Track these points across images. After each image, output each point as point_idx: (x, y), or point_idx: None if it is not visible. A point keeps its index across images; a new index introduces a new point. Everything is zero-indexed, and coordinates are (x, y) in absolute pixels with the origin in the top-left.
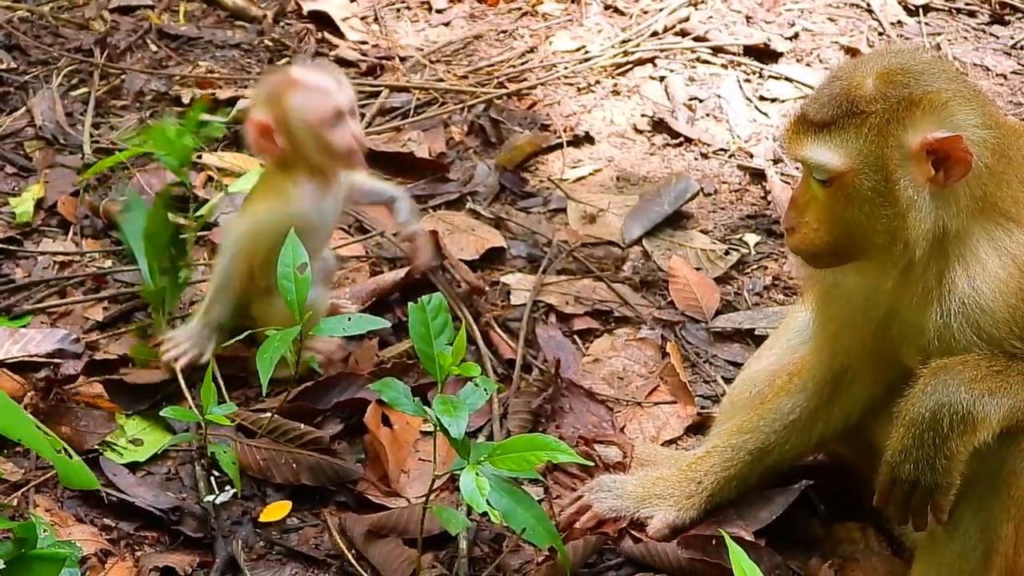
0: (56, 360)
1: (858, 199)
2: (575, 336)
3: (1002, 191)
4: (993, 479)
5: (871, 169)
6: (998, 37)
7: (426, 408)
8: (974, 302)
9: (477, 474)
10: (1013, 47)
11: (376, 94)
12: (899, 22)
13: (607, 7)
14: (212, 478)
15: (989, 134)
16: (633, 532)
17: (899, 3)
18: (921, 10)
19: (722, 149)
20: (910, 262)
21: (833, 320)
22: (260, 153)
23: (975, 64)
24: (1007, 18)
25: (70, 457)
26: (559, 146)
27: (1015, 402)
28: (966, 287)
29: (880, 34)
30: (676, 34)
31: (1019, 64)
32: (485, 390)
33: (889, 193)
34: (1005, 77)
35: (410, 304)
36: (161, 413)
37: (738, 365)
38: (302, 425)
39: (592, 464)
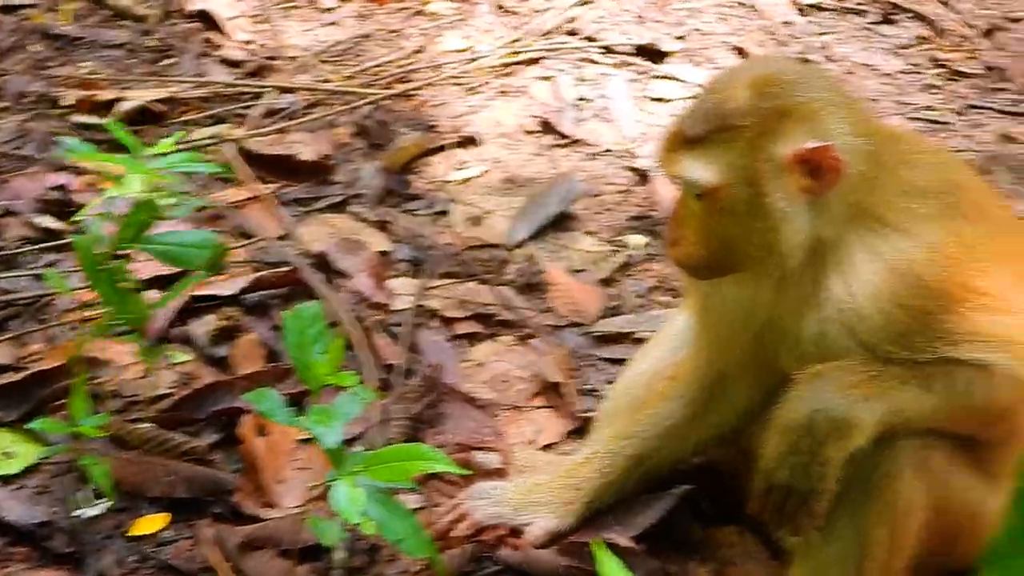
0: None
1: (733, 213)
2: (458, 340)
3: (876, 197)
4: (868, 484)
5: (744, 183)
6: (886, 36)
7: (300, 418)
8: (850, 308)
9: (351, 485)
10: (901, 47)
11: (261, 95)
12: (789, 21)
13: (497, 7)
14: (84, 491)
15: (862, 141)
16: (511, 539)
17: (789, 3)
18: (810, 9)
19: (609, 150)
20: (787, 272)
21: (712, 327)
22: None
23: (864, 64)
24: (895, 18)
25: None
26: (445, 147)
27: (890, 407)
28: (842, 294)
29: (770, 34)
30: (566, 34)
31: (907, 64)
32: (362, 398)
33: (763, 205)
34: (892, 76)
35: (284, 313)
36: (29, 426)
37: (621, 369)
38: (177, 435)
39: (470, 473)
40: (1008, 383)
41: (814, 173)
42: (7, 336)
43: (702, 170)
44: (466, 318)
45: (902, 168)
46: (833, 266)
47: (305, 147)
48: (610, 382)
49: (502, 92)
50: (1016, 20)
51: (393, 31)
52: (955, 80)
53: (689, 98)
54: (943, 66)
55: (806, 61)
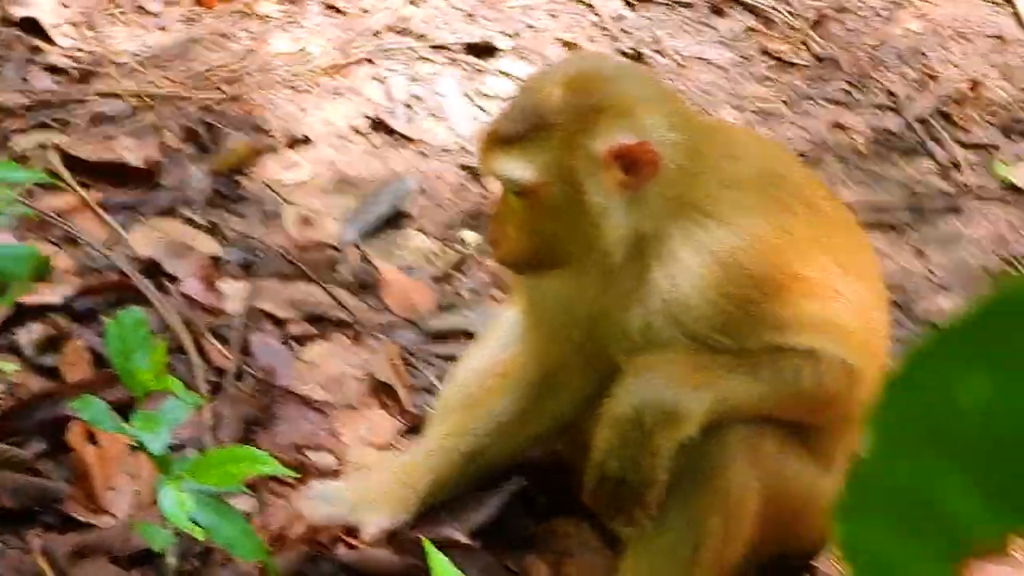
0: None
1: (553, 210)
2: (291, 342)
3: (697, 189)
4: (700, 473)
5: (562, 180)
6: (718, 29)
7: (125, 425)
8: (675, 300)
9: (178, 490)
10: (732, 39)
11: (87, 102)
12: (620, 16)
13: (327, 7)
14: None
15: (679, 136)
16: (347, 539)
17: None
18: (641, 4)
19: (442, 148)
20: (610, 266)
21: (540, 323)
22: None
23: (696, 57)
24: (725, 10)
25: None
26: (276, 150)
27: (718, 396)
28: (666, 285)
29: (601, 29)
30: (397, 33)
31: (738, 55)
32: (189, 403)
33: (581, 203)
34: (725, 69)
35: (107, 320)
36: None
37: (455, 365)
38: (3, 445)
39: (300, 474)
40: (835, 368)
41: (631, 168)
42: None
43: (520, 168)
44: (298, 319)
45: (724, 160)
46: (656, 259)
47: (132, 153)
48: (444, 379)
49: (334, 93)
50: (844, 10)
51: (222, 34)
52: (786, 71)
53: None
54: (774, 57)
55: (637, 56)
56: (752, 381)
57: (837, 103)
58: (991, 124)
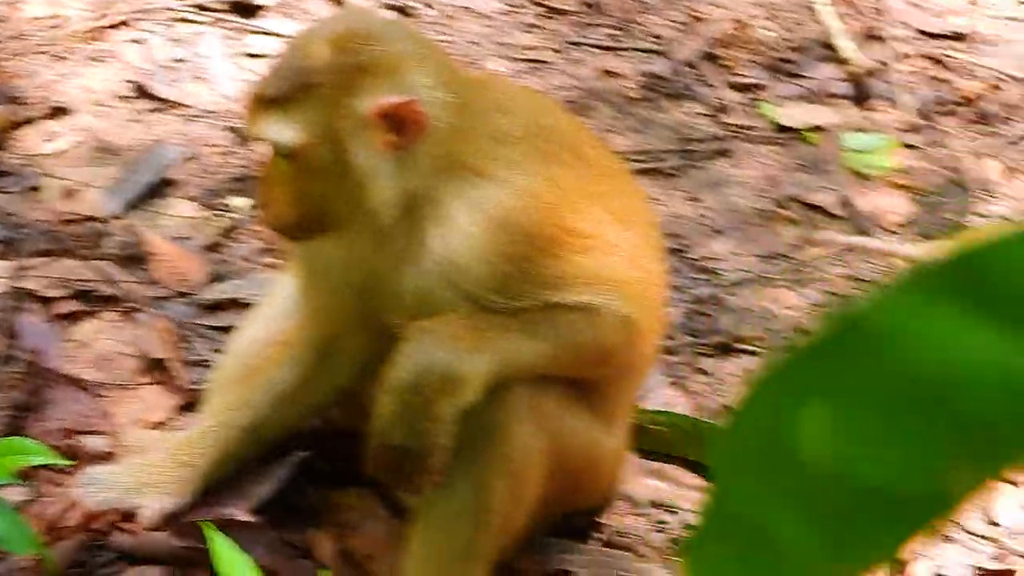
0: None
1: (320, 172)
2: (58, 321)
3: (467, 147)
4: (482, 437)
5: (328, 141)
6: None
7: None
8: (449, 261)
9: None
10: None
11: None
12: None
13: None
14: None
15: (447, 93)
16: (124, 524)
17: None
18: None
19: (206, 111)
20: (381, 228)
21: (315, 288)
22: None
23: (463, 7)
24: None
25: None
26: (34, 120)
27: (497, 357)
28: (440, 247)
29: None
30: None
31: (505, 4)
32: None
33: (348, 163)
34: (491, 18)
35: None
36: None
37: (231, 337)
38: None
39: (74, 461)
40: (613, 322)
41: (397, 127)
42: None
43: (285, 130)
44: (66, 297)
45: (493, 115)
46: (428, 219)
47: None
48: (220, 352)
49: (92, 58)
50: None
51: None
52: (554, 18)
53: None
54: (541, 5)
55: (404, 9)
56: (531, 340)
57: (605, 49)
58: (758, 65)
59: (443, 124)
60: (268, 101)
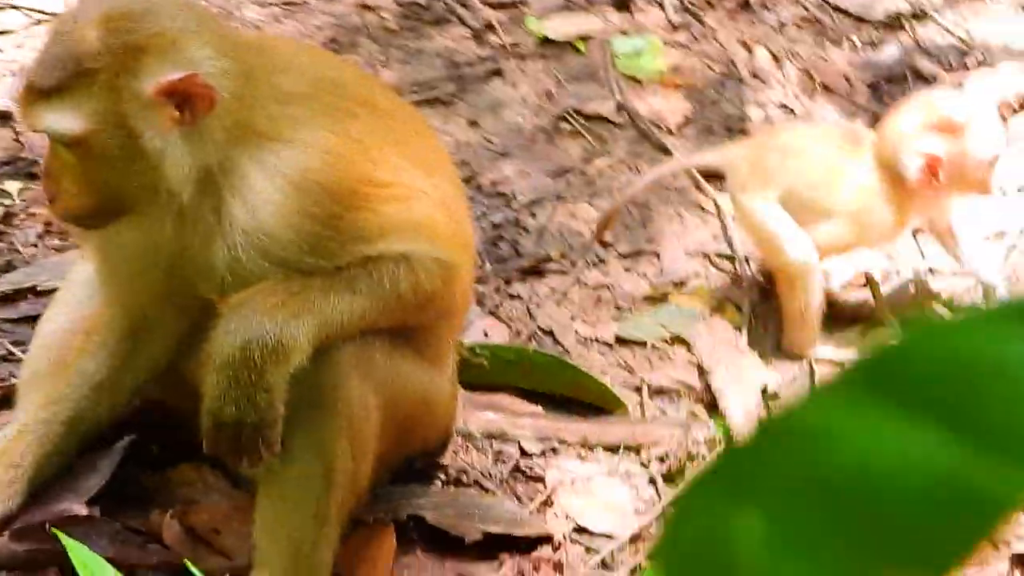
0: None
1: (108, 159)
2: None
3: (257, 113)
4: (317, 400)
5: (112, 127)
6: None
7: None
8: (257, 230)
9: None
10: None
11: None
12: None
13: None
14: None
15: (228, 62)
16: None
17: None
18: None
19: None
20: (181, 208)
21: (118, 273)
22: (919, 187)
23: None
24: None
25: None
26: None
27: (321, 319)
28: (246, 217)
29: None
30: None
31: None
32: None
33: (137, 147)
34: None
35: None
36: None
37: (32, 328)
38: None
39: None
40: (429, 267)
41: (184, 104)
42: None
43: (65, 120)
44: None
45: (277, 77)
46: (230, 191)
47: None
48: (22, 344)
49: None
50: None
51: None
52: None
53: (36, 26)
54: None
55: None
56: (352, 296)
57: None
58: None
59: (229, 93)
60: (43, 91)
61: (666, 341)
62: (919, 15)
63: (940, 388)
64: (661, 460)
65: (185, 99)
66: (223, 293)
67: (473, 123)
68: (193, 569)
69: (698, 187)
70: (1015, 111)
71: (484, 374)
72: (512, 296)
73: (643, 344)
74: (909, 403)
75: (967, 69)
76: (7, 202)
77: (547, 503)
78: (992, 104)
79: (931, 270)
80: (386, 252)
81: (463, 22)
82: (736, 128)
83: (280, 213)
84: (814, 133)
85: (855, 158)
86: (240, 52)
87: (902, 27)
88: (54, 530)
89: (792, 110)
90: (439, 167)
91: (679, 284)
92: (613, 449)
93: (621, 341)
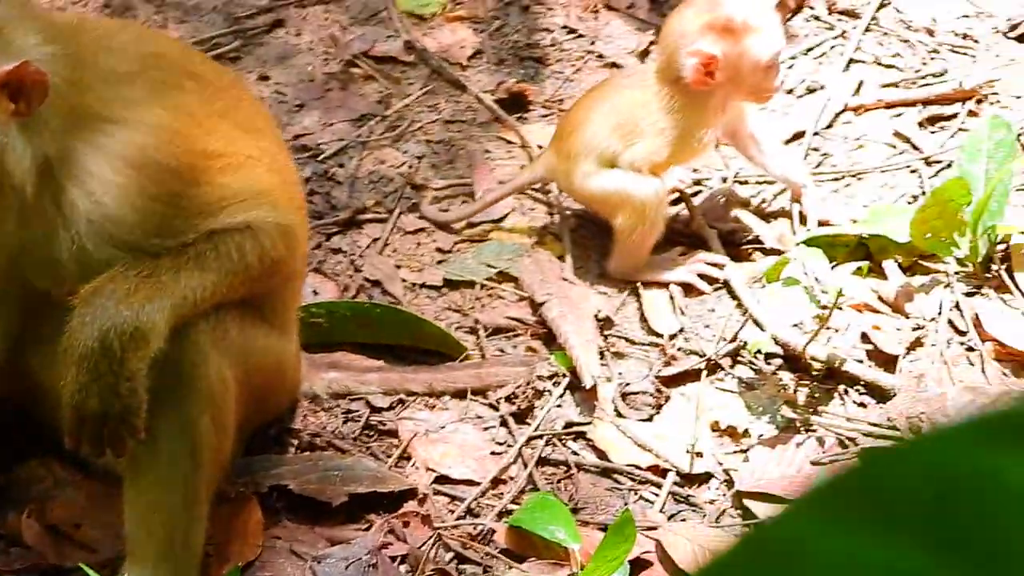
0: None
1: None
2: None
3: (89, 97)
4: (178, 381)
5: None
6: None
7: None
8: (101, 216)
9: None
10: None
11: None
12: None
13: None
14: None
15: (55, 47)
16: None
17: None
18: None
19: None
20: (23, 201)
21: None
22: (695, 86)
23: None
24: None
25: None
26: None
27: (174, 300)
28: (87, 204)
29: None
30: None
31: None
32: None
33: None
34: None
35: None
36: None
37: None
38: None
39: None
40: (272, 234)
41: (18, 94)
42: None
43: None
44: None
45: (103, 58)
46: (69, 179)
47: None
48: None
49: None
50: None
51: None
52: None
53: None
54: None
55: None
56: (202, 273)
57: None
58: None
59: (61, 79)
60: None
61: (493, 280)
62: None
63: (914, 505)
64: (509, 400)
65: (18, 89)
66: (68, 286)
67: (263, 77)
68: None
69: (498, 120)
70: (792, 12)
71: (322, 333)
72: (334, 251)
73: (471, 284)
74: (883, 520)
75: None
76: None
77: (405, 457)
78: (770, 5)
79: (738, 179)
80: (230, 224)
81: None
82: (526, 56)
83: (121, 196)
84: (594, 95)
85: (640, 88)
86: (64, 35)
87: None
88: None
89: (578, 32)
90: (266, 131)
91: (497, 220)
92: (461, 395)
93: (449, 283)
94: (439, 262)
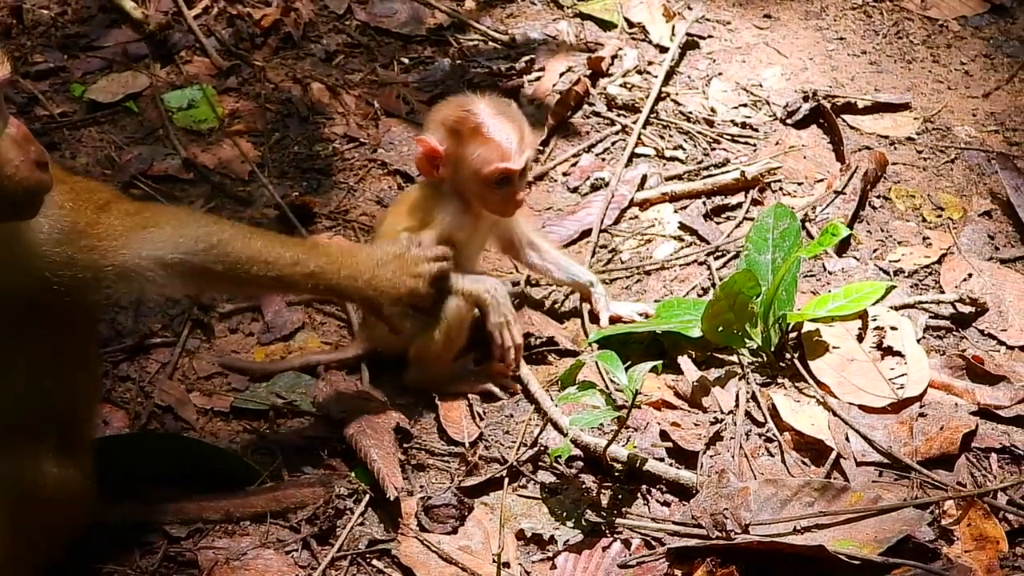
0: None
1: None
2: None
3: None
4: None
5: None
6: None
7: None
8: None
9: None
10: None
11: None
12: None
13: None
14: None
15: None
16: None
17: None
18: None
19: None
20: None
21: None
22: (419, 172)
23: None
24: None
25: None
26: None
27: None
28: None
29: None
30: None
31: None
32: None
33: None
34: None
35: None
36: None
37: None
38: None
39: None
40: None
41: None
42: None
43: None
44: None
45: None
46: None
47: None
48: None
49: None
50: None
51: None
52: None
53: None
54: None
55: None
56: None
57: None
58: (51, 47)
59: None
60: None
61: (289, 403)
62: (460, 26)
63: None
64: (310, 522)
65: None
66: None
67: None
68: None
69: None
70: (572, 108)
71: (114, 466)
72: (122, 378)
73: (266, 408)
74: None
75: (517, 72)
76: None
77: None
78: (513, 115)
79: (529, 281)
80: None
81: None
82: (308, 168)
83: None
84: (391, 210)
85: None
86: None
87: (447, 41)
88: None
89: (359, 140)
90: None
91: (288, 336)
92: (260, 519)
93: (239, 411)
94: (231, 389)
